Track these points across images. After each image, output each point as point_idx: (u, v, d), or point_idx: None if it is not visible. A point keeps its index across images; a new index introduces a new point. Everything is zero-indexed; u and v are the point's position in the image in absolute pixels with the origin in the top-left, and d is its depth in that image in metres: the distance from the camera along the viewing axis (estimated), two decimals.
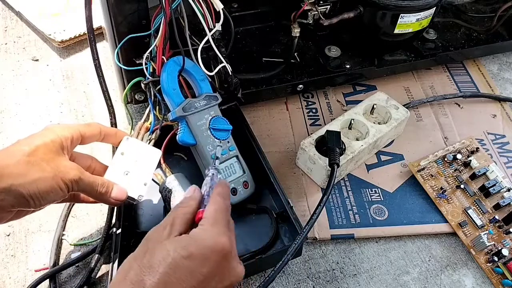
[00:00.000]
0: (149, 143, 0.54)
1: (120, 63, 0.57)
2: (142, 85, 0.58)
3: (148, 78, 0.55)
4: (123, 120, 0.68)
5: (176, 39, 0.51)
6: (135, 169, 0.50)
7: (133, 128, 0.56)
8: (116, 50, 0.56)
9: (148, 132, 0.56)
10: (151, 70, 0.55)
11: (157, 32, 0.53)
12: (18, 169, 0.40)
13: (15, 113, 0.71)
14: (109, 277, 0.49)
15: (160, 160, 0.54)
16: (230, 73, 0.58)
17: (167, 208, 0.56)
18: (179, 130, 0.54)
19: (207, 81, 0.57)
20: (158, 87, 0.55)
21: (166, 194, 0.54)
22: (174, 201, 0.54)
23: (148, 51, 0.54)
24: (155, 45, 0.53)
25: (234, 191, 0.56)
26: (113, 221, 0.56)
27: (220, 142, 0.55)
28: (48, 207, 0.59)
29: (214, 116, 0.56)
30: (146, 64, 0.55)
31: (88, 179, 0.45)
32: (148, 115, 0.56)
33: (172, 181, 0.55)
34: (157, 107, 0.57)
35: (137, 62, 0.57)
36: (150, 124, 0.56)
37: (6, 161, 0.40)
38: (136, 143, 0.52)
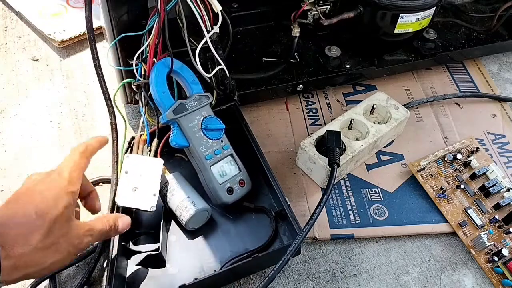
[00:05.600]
0: (149, 154, 0.55)
1: (112, 61, 0.57)
2: (133, 87, 0.58)
3: (139, 80, 0.55)
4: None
5: (165, 40, 0.51)
6: (141, 183, 0.52)
7: (129, 124, 0.56)
8: (109, 48, 0.56)
9: (146, 144, 0.56)
10: (142, 72, 0.55)
11: (150, 32, 0.53)
12: (35, 259, 0.37)
13: (15, 113, 0.71)
14: (108, 277, 0.49)
15: None
16: (227, 76, 0.58)
17: (166, 206, 0.56)
18: (171, 132, 0.54)
19: (197, 82, 0.57)
20: None
21: (161, 186, 0.55)
22: (171, 195, 0.54)
23: (139, 51, 0.54)
24: (147, 45, 0.53)
25: (230, 190, 0.56)
26: None
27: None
28: None
29: (206, 116, 0.56)
30: (137, 65, 0.55)
31: (98, 237, 0.44)
32: (143, 127, 0.57)
33: (170, 180, 0.55)
34: (146, 107, 0.57)
35: (130, 62, 0.57)
36: (146, 136, 0.57)
37: (21, 249, 0.36)
38: (137, 158, 0.53)
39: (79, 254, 0.43)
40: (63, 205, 0.39)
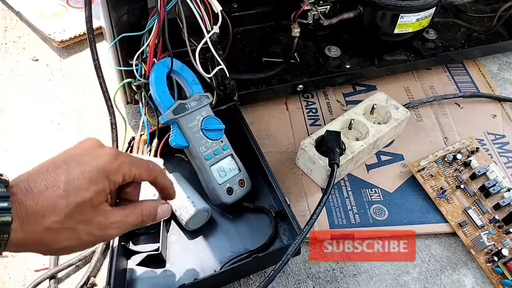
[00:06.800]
0: (149, 153, 0.55)
1: (112, 61, 0.58)
2: (133, 87, 0.58)
3: (139, 80, 0.55)
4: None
5: (165, 40, 0.52)
6: (142, 184, 0.51)
7: (129, 125, 0.57)
8: (109, 48, 0.57)
9: (146, 145, 0.57)
10: (142, 72, 0.55)
11: (150, 33, 0.53)
12: (45, 240, 0.33)
13: (15, 113, 0.71)
14: (108, 277, 0.49)
15: None
16: (227, 76, 0.58)
17: None
18: (171, 133, 0.55)
19: (197, 82, 0.57)
20: None
21: None
22: None
23: (139, 51, 0.54)
24: (147, 45, 0.53)
25: (230, 191, 0.56)
26: None
27: None
28: None
29: (206, 116, 0.56)
30: (137, 65, 0.55)
31: (126, 229, 0.39)
32: (143, 127, 0.58)
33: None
34: (146, 107, 0.57)
35: (130, 62, 0.57)
36: (146, 136, 0.57)
37: (33, 226, 0.32)
38: None
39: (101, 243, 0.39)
40: (96, 189, 0.34)
